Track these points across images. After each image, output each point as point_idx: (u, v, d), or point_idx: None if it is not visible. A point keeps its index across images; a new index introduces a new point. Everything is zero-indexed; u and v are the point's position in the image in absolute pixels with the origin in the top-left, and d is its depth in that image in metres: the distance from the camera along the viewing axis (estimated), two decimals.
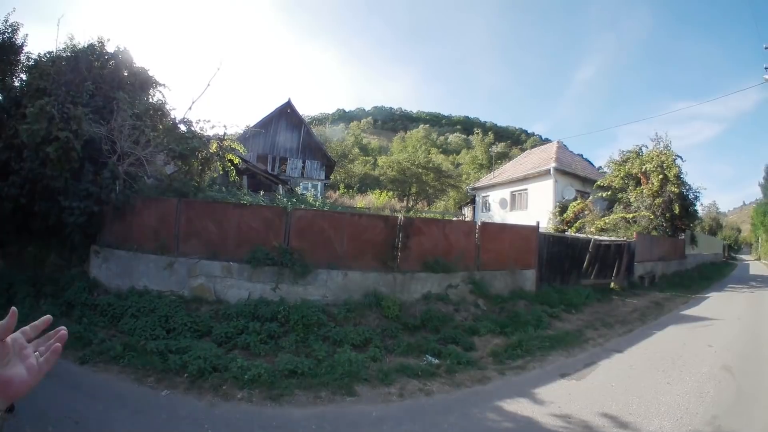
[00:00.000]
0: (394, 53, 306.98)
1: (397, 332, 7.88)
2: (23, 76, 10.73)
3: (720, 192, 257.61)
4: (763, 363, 7.59)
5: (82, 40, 10.34)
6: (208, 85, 11.21)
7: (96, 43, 10.33)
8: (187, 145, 9.93)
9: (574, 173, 24.85)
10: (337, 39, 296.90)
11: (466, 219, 29.75)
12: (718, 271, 29.47)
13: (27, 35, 11.15)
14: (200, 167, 10.81)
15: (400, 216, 10.19)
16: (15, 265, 9.97)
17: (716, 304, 14.10)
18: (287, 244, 8.72)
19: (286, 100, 33.15)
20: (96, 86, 9.65)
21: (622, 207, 21.86)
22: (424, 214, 31.41)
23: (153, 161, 9.93)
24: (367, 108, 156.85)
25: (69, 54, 10.14)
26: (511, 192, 27.17)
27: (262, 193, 12.09)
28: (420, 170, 39.69)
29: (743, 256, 67.47)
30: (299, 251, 8.63)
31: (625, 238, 17.45)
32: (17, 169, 8.77)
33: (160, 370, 6.07)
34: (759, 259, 57.64)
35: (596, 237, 16.23)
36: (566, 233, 18.76)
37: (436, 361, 6.96)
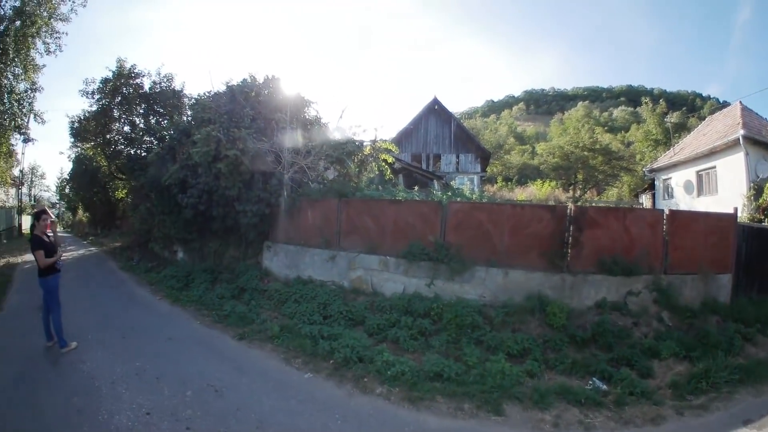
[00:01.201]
0: (539, 29, 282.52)
1: (562, 345, 6.76)
2: (189, 112, 13.10)
3: None
4: None
5: (237, 79, 12.26)
6: (355, 94, 12.07)
7: (248, 78, 12.14)
8: (343, 150, 10.95)
9: (766, 142, 18.25)
10: (480, 25, 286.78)
11: (664, 210, 24.48)
12: None
13: (184, 82, 14.15)
14: (357, 169, 11.74)
15: (570, 205, 8.74)
16: (196, 258, 12.42)
17: None
18: (443, 239, 8.42)
19: (432, 98, 33.07)
20: (255, 111, 11.18)
21: None
22: (593, 203, 27.58)
23: (314, 167, 10.99)
24: (517, 94, 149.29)
25: (225, 90, 12.10)
26: (697, 172, 20.98)
27: (416, 188, 12.19)
28: (585, 153, 34.82)
29: None
30: (456, 246, 8.23)
31: None
32: (194, 184, 10.76)
33: (308, 354, 6.43)
34: None
35: None
36: (764, 224, 14.22)
37: (604, 387, 5.80)
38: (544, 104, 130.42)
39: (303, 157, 10.65)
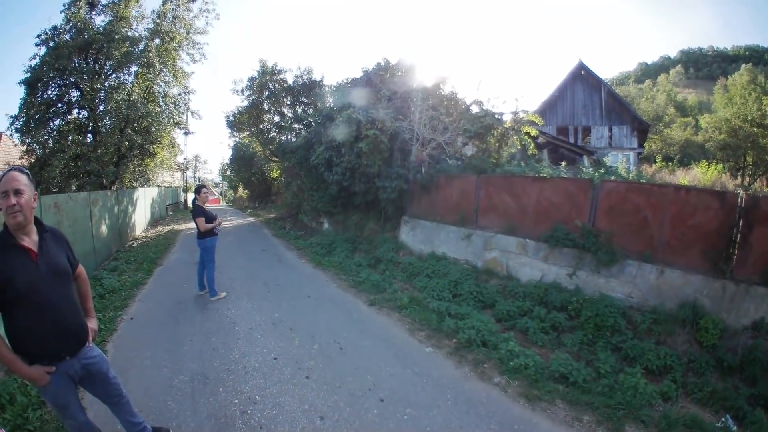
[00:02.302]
0: None
1: (706, 369, 5.77)
2: (330, 99, 14.56)
3: None
4: None
5: (371, 63, 13.46)
6: (494, 62, 11.65)
7: (381, 61, 13.04)
8: (481, 124, 10.68)
9: None
10: None
11: None
12: None
13: (323, 74, 16.10)
14: (497, 144, 11.42)
15: (741, 193, 6.89)
16: (339, 229, 13.77)
17: None
18: (592, 224, 7.61)
19: (577, 63, 29.67)
20: (391, 92, 11.85)
21: None
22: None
23: (452, 143, 11.07)
24: (673, 55, 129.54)
25: (362, 75, 13.28)
26: None
27: (563, 164, 11.38)
28: (755, 129, 28.04)
29: None
30: (606, 234, 7.36)
31: None
32: (338, 162, 11.84)
33: (433, 328, 6.64)
34: None
35: None
36: None
37: (735, 428, 4.86)
38: (704, 67, 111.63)
39: (440, 133, 10.79)
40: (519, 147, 11.84)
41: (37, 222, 2.66)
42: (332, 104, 14.66)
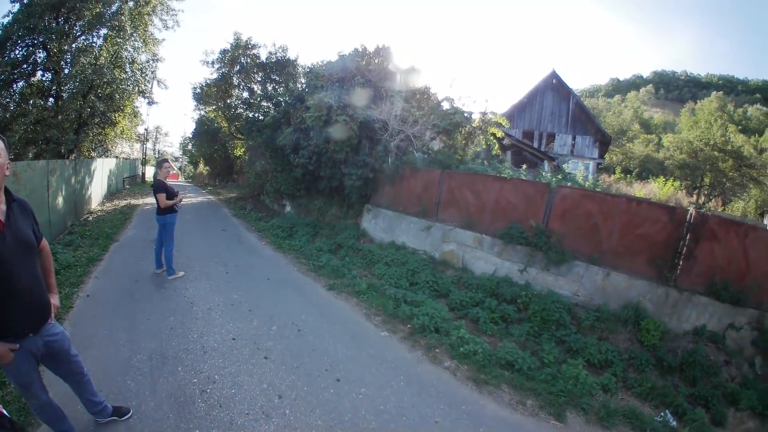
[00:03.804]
0: (676, 5, 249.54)
1: (646, 366, 6.24)
2: (302, 80, 14.17)
3: None
4: None
5: (348, 49, 13.03)
6: (467, 64, 11.84)
7: (359, 47, 12.64)
8: (450, 121, 10.86)
9: None
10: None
11: None
12: None
13: (298, 53, 15.63)
14: (463, 141, 11.60)
15: (691, 210, 7.51)
16: (301, 213, 13.65)
17: None
18: (545, 225, 8.06)
19: (551, 72, 30.55)
20: (365, 80, 11.62)
21: None
22: (721, 214, 23.36)
23: (420, 137, 11.14)
24: (646, 74, 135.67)
25: (338, 59, 12.80)
26: None
27: (524, 167, 11.67)
28: (716, 153, 30.23)
29: None
30: (558, 235, 7.83)
31: None
32: (305, 146, 11.74)
33: (389, 314, 6.83)
34: None
35: None
36: None
37: (674, 423, 5.26)
38: (674, 89, 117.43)
39: (410, 125, 10.82)
40: (484, 146, 12.13)
41: (6, 191, 2.52)
42: (304, 86, 14.38)
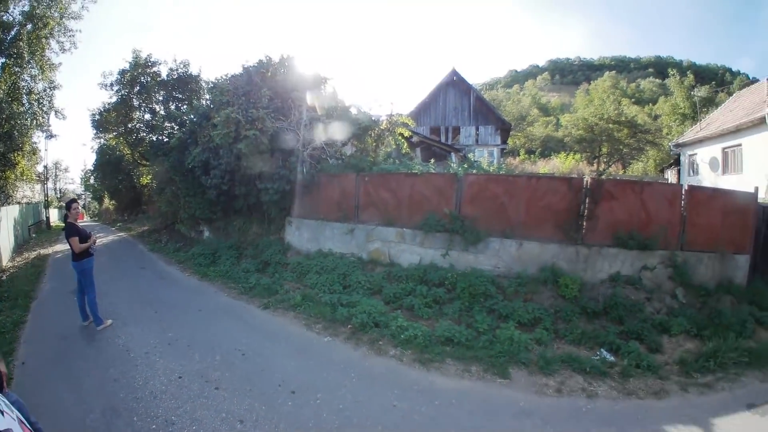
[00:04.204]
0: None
1: (573, 316, 6.89)
2: (207, 96, 13.45)
3: None
4: None
5: (253, 60, 12.43)
6: (372, 68, 11.98)
7: (264, 58, 12.26)
8: (359, 126, 11.06)
9: None
10: None
11: (674, 184, 24.15)
12: None
13: (201, 67, 14.47)
14: (374, 144, 11.88)
15: (587, 177, 8.61)
16: (221, 236, 13.05)
17: None
18: (458, 211, 8.62)
19: (451, 70, 32.41)
20: (273, 91, 11.33)
21: None
22: (618, 177, 26.73)
23: (332, 143, 11.21)
24: (542, 63, 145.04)
25: (242, 72, 12.33)
26: (723, 149, 20.34)
27: (432, 161, 12.24)
28: (610, 125, 33.50)
29: None
30: (471, 218, 8.41)
31: None
32: (216, 165, 11.27)
33: (328, 320, 6.91)
34: None
35: None
36: None
37: (611, 358, 5.93)
38: (569, 74, 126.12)
39: (320, 133, 10.91)
40: (394, 146, 12.49)
41: None
42: (209, 102, 13.72)
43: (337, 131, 11.08)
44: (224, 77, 13.03)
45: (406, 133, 12.18)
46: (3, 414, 2.02)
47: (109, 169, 29.05)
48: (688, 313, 7.09)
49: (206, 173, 11.69)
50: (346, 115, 11.53)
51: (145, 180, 27.23)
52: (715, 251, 8.21)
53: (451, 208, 8.64)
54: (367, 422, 4.10)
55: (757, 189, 9.09)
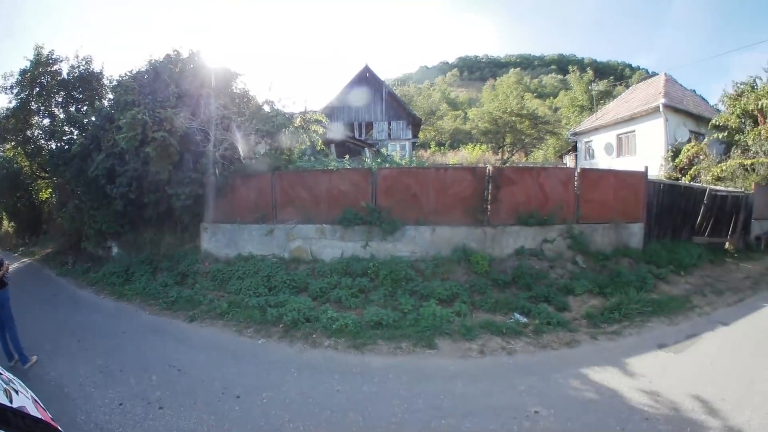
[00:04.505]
0: None
1: (486, 288, 7.77)
2: (111, 96, 12.28)
3: None
4: None
5: (160, 55, 11.51)
6: (285, 64, 11.74)
7: (172, 53, 11.43)
8: (273, 124, 10.67)
9: (686, 110, 21.00)
10: None
11: (576, 168, 26.62)
12: None
13: (104, 63, 12.69)
14: (288, 142, 11.51)
15: (489, 166, 9.75)
16: (131, 250, 11.91)
17: None
18: (374, 204, 9.10)
19: (363, 66, 33.13)
20: (181, 89, 10.64)
21: (739, 151, 18.14)
22: (520, 164, 29.42)
23: (245, 143, 10.74)
24: (451, 60, 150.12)
25: (148, 68, 11.36)
26: (617, 135, 23.60)
27: (347, 157, 12.49)
28: (513, 118, 36.55)
29: None
30: (387, 209, 8.96)
31: (743, 189, 14.23)
32: (122, 172, 10.35)
33: (258, 323, 6.90)
34: None
35: (712, 186, 13.53)
36: (680, 181, 16.28)
37: (524, 320, 6.74)
38: (477, 71, 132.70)
39: (232, 132, 10.49)
40: (309, 144, 12.37)
41: None
42: (113, 102, 12.44)
43: (250, 130, 10.75)
44: (129, 74, 11.91)
45: (320, 130, 12.08)
46: (18, 392, 2.04)
47: (5, 186, 24.87)
48: (589, 276, 8.28)
49: (111, 182, 10.64)
50: (260, 112, 11.22)
51: (45, 195, 23.89)
52: (609, 222, 9.57)
53: (367, 201, 9.12)
54: (315, 410, 4.27)
55: (647, 168, 10.65)
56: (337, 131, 23.11)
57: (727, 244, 12.39)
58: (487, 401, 4.46)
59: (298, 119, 11.53)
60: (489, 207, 9.16)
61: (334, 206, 9.24)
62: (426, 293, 7.40)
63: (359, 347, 5.75)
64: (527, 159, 39.08)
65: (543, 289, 7.64)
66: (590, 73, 55.37)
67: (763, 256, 12.51)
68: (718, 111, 20.79)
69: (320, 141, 12.47)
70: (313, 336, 6.20)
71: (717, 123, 18.67)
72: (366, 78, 32.71)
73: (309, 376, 5.02)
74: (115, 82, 12.57)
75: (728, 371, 5.30)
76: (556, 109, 50.77)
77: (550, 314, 6.79)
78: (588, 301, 7.52)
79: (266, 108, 11.41)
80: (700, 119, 20.79)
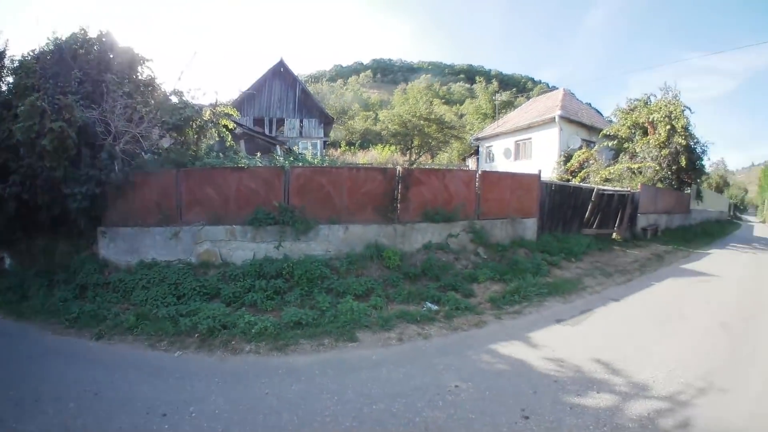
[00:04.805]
0: (394, 2, 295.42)
1: (398, 281, 8.22)
2: (10, 79, 10.59)
3: (729, 151, 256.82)
4: (762, 324, 7.36)
5: (66, 33, 10.14)
6: (196, 53, 11.00)
7: (78, 32, 10.14)
8: (180, 116, 9.94)
9: (579, 121, 24.25)
10: None
11: (477, 170, 28.85)
12: (722, 229, 28.17)
13: (8, 40, 10.93)
14: (195, 136, 10.82)
15: (399, 167, 10.32)
16: (25, 260, 10.26)
17: (717, 261, 13.69)
18: (287, 203, 8.97)
19: (278, 60, 32.60)
20: (84, 73, 9.52)
21: (627, 157, 21.14)
22: (427, 166, 30.96)
23: (149, 136, 9.85)
24: (366, 61, 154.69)
25: (54, 48, 10.01)
26: (516, 141, 26.53)
27: (259, 155, 12.07)
28: (422, 122, 38.31)
29: (748, 217, 65.08)
30: (299, 209, 8.91)
31: (629, 189, 17.01)
32: (16, 168, 8.92)
33: (172, 334, 6.46)
34: (765, 221, 55.86)
35: (599, 186, 15.87)
36: (570, 182, 18.51)
37: (435, 307, 7.27)
38: (390, 74, 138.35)
39: (135, 124, 9.41)
40: (217, 139, 11.68)
41: None
42: (12, 86, 10.71)
43: (155, 122, 9.84)
44: (31, 54, 10.44)
45: (231, 125, 11.44)
46: None
47: None
48: (491, 265, 9.31)
49: (3, 180, 9.03)
50: (166, 103, 10.30)
51: None
52: (507, 218, 10.97)
53: (279, 200, 8.97)
54: (247, 416, 4.18)
55: (540, 171, 12.52)
56: (248, 126, 22.44)
57: (614, 234, 14.85)
58: (412, 382, 4.76)
59: (208, 112, 10.75)
60: (399, 206, 9.70)
61: (245, 206, 8.91)
62: (342, 290, 7.56)
63: (282, 349, 5.71)
64: (433, 161, 41.38)
65: (450, 279, 8.45)
66: (495, 84, 60.84)
67: (649, 243, 15.06)
68: (611, 122, 24.45)
69: (230, 136, 11.83)
70: (233, 343, 5.99)
71: (608, 133, 22.47)
72: (280, 73, 32.20)
73: (235, 383, 4.89)
74: (17, 63, 10.65)
75: (623, 338, 6.21)
76: (461, 116, 54.89)
77: (458, 301, 7.50)
78: (491, 287, 8.39)
79: (174, 99, 10.56)
80: (593, 129, 24.40)
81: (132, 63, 10.43)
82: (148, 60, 10.60)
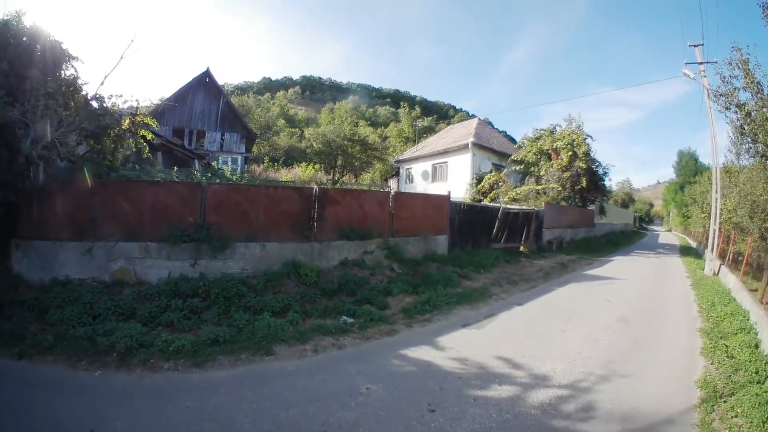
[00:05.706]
0: (328, 22, 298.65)
1: (316, 297, 8.58)
2: None
3: (637, 171, 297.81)
4: (658, 317, 8.58)
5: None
6: (122, 57, 10.35)
7: (12, 18, 9.14)
8: (99, 123, 9.41)
9: (491, 148, 27.09)
10: (266, 5, 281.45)
11: (391, 190, 29.73)
12: (627, 238, 31.78)
13: None
14: (113, 145, 10.29)
15: (315, 187, 10.72)
16: None
17: (620, 266, 15.60)
18: (203, 220, 8.89)
19: (205, 69, 31.72)
20: (9, 67, 8.68)
21: (533, 180, 24.53)
22: (350, 186, 31.65)
23: (66, 142, 9.23)
24: (295, 77, 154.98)
25: None
26: (433, 165, 28.93)
27: (176, 169, 11.72)
28: (346, 143, 39.54)
29: (655, 227, 77.22)
30: (216, 226, 8.88)
31: (534, 207, 19.34)
32: None
33: (91, 354, 6.36)
34: (670, 230, 65.70)
35: (506, 206, 17.88)
36: (481, 203, 20.47)
37: (351, 320, 7.76)
38: (319, 92, 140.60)
39: (54, 128, 8.82)
40: (134, 149, 11.16)
41: None
42: None
43: (73, 127, 9.22)
44: None
45: (149, 136, 11.21)
46: None
47: None
48: (404, 279, 10.10)
49: None
50: (86, 108, 9.68)
51: None
52: (419, 234, 12.03)
53: (196, 217, 8.86)
54: (171, 428, 4.34)
55: (449, 192, 13.99)
56: (166, 138, 21.73)
57: (521, 248, 16.63)
58: (326, 388, 5.20)
59: (127, 121, 10.25)
60: (316, 224, 10.15)
61: (161, 222, 8.65)
62: (260, 307, 7.73)
63: (200, 365, 5.86)
64: (357, 180, 42.45)
65: (366, 293, 8.95)
66: (418, 109, 64.60)
67: (555, 254, 16.99)
68: (521, 148, 27.03)
69: (147, 148, 11.44)
70: (151, 361, 6.04)
71: (516, 158, 25.37)
72: (206, 83, 31.30)
73: (156, 398, 5.00)
74: None
75: (524, 337, 7.06)
76: (385, 138, 57.51)
77: (372, 313, 8.03)
78: (404, 299, 9.16)
79: (94, 104, 10.00)
80: (503, 155, 27.79)
81: (58, 59, 9.67)
82: (74, 58, 9.88)
